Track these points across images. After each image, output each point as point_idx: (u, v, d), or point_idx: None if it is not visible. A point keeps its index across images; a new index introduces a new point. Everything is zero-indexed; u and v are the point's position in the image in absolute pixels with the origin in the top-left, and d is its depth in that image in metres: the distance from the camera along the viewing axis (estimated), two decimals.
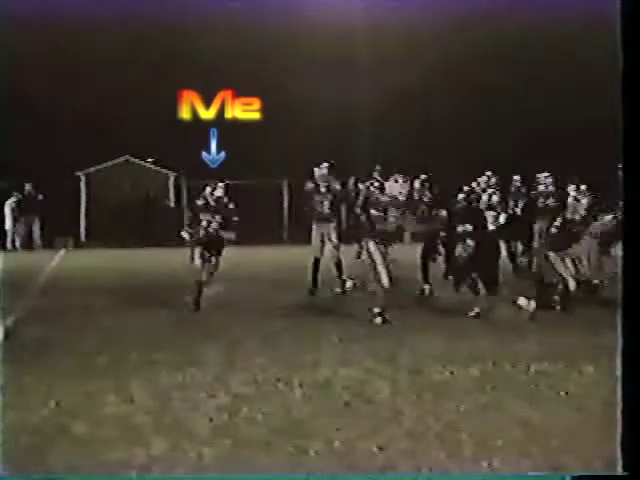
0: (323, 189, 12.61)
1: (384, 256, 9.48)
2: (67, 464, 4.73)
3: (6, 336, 8.64)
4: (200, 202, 12.06)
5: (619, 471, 3.94)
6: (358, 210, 11.06)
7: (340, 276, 12.15)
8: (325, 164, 12.73)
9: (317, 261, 12.26)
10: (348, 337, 8.50)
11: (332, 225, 12.62)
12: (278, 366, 7.14)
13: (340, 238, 12.49)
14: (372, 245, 9.53)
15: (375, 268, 9.45)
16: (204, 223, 10.61)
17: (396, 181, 10.08)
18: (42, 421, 5.61)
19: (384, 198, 9.90)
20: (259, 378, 6.73)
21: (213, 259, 10.43)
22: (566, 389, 6.34)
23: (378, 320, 9.26)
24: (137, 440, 5.16)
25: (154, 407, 5.93)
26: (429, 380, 6.70)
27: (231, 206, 12.08)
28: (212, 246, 10.44)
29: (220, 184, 12.04)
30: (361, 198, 12.08)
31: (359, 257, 14.10)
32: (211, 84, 26.31)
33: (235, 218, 11.80)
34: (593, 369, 6.88)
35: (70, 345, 8.23)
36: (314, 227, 12.62)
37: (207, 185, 12.37)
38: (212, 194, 12.11)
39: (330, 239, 12.40)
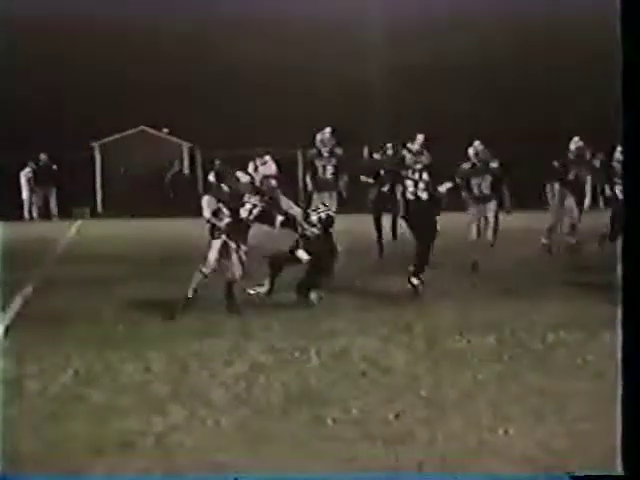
0: (326, 154, 12.17)
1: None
2: (85, 433, 4.77)
3: (24, 305, 8.70)
4: (244, 179, 8.57)
5: (619, 471, 3.94)
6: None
7: None
8: (328, 129, 12.22)
9: None
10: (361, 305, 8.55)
11: (333, 194, 12.15)
12: (295, 335, 7.18)
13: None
14: None
15: None
16: (247, 206, 8.33)
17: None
18: (60, 389, 5.66)
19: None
20: (276, 346, 6.76)
21: (242, 249, 8.34)
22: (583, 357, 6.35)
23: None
24: (155, 408, 5.20)
25: (172, 376, 5.97)
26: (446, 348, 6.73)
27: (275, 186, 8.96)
28: (238, 234, 8.35)
29: (268, 158, 9.03)
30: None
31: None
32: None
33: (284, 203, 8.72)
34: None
35: (87, 314, 8.27)
36: (315, 195, 12.19)
37: (253, 159, 9.38)
38: (256, 170, 9.14)
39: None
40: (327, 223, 8.78)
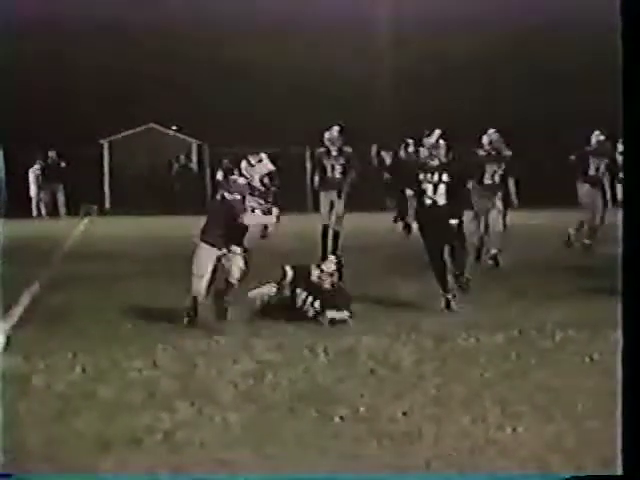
0: (334, 152, 12.11)
1: None
2: (92, 429, 4.77)
3: (32, 302, 8.71)
4: (241, 180, 7.89)
5: (618, 471, 3.93)
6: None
7: (335, 250, 11.26)
8: (336, 127, 12.13)
9: (327, 229, 11.88)
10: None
11: (341, 192, 12.10)
12: (303, 333, 7.16)
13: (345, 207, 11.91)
14: None
15: None
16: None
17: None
18: (67, 386, 5.66)
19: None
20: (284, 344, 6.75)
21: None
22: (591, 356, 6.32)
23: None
24: (163, 405, 5.19)
25: (180, 373, 5.97)
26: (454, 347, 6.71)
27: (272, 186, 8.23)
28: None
29: (264, 156, 7.89)
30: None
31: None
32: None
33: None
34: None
35: (95, 311, 8.27)
36: (322, 193, 12.15)
37: (245, 157, 8.14)
38: (251, 168, 7.93)
39: (335, 207, 11.87)
40: (339, 274, 8.08)
